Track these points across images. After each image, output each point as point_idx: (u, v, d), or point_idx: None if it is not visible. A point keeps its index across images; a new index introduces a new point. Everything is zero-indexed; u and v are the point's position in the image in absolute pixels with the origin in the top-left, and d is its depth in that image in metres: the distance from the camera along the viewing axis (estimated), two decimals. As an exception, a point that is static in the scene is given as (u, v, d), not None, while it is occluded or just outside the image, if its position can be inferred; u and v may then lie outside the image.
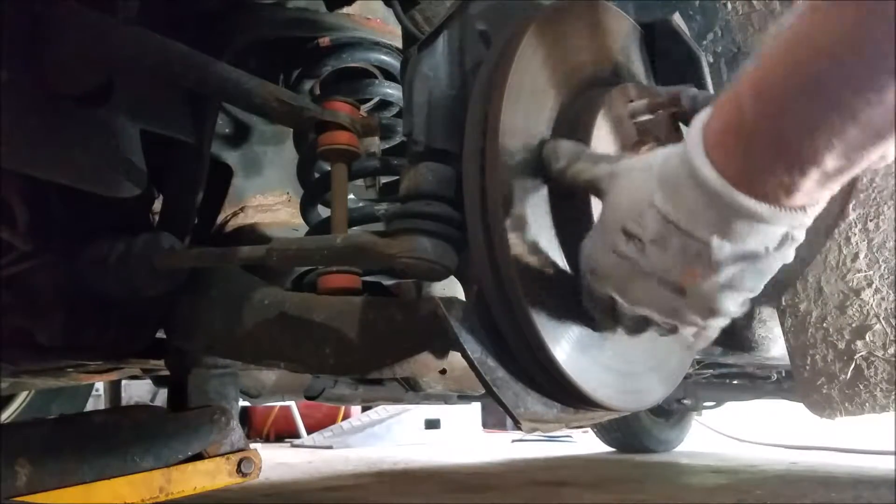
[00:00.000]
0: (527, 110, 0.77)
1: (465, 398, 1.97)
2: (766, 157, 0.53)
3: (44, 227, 1.00)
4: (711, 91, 0.93)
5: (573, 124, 0.79)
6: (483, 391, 0.76)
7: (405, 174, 0.82)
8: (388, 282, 1.19)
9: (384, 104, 1.23)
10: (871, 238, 1.11)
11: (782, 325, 1.20)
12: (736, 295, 0.62)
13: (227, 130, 1.29)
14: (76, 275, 1.02)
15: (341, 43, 1.16)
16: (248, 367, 1.27)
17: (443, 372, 1.23)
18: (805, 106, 0.49)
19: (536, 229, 0.75)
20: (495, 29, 0.83)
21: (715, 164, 0.56)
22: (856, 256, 1.12)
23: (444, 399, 1.95)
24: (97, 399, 3.42)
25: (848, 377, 1.15)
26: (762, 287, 0.63)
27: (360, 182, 1.29)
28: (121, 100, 0.91)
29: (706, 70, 0.95)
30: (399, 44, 1.15)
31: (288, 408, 4.92)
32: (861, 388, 1.15)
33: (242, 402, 1.74)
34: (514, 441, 4.85)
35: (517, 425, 0.78)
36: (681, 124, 0.83)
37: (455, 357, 0.80)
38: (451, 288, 1.14)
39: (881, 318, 1.13)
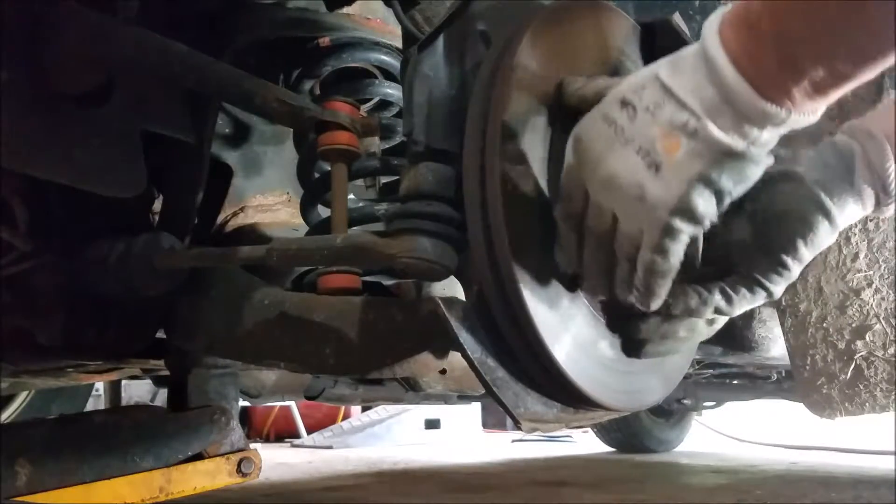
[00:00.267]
0: (527, 110, 0.77)
1: (465, 398, 1.97)
2: (767, 48, 0.56)
3: (44, 227, 1.00)
4: None
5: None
6: (483, 391, 0.76)
7: (405, 174, 0.82)
8: (388, 282, 1.19)
9: (384, 104, 1.23)
10: (871, 238, 1.11)
11: (782, 325, 1.20)
12: (707, 193, 0.61)
13: (227, 130, 1.29)
14: (76, 275, 1.02)
15: (341, 43, 1.16)
16: (248, 367, 1.27)
17: (443, 372, 1.23)
18: (803, 9, 0.53)
19: (538, 229, 0.76)
20: (495, 29, 0.83)
21: (724, 45, 0.58)
22: (856, 256, 1.12)
23: (444, 399, 1.95)
24: (97, 399, 3.42)
25: (848, 377, 1.15)
26: (736, 195, 0.62)
27: (360, 182, 1.29)
28: (121, 100, 0.91)
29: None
30: (399, 44, 1.15)
31: (288, 408, 4.92)
32: (861, 388, 1.15)
33: (242, 402, 1.74)
34: (514, 441, 4.85)
35: (517, 425, 0.78)
36: None
37: (455, 357, 0.80)
38: (451, 288, 1.14)
39: (881, 318, 1.13)
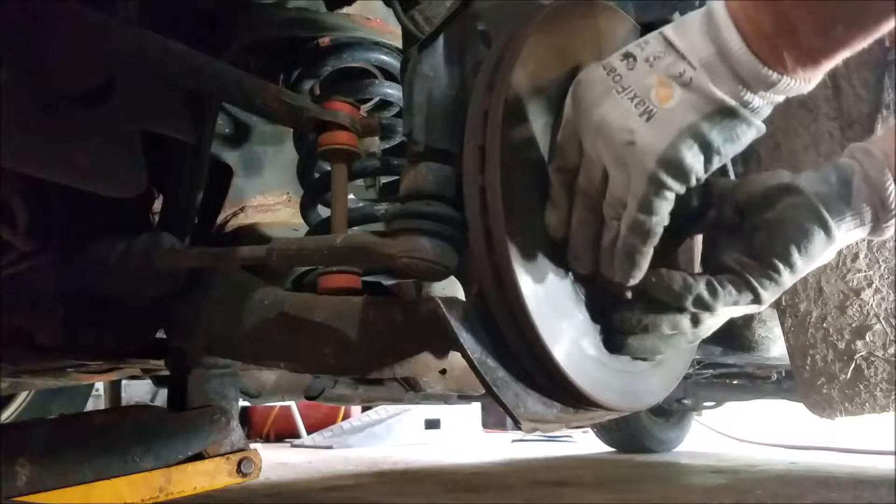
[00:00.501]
0: (527, 110, 0.77)
1: (465, 398, 1.97)
2: (765, 10, 0.58)
3: (44, 227, 1.00)
4: None
5: None
6: (483, 391, 0.76)
7: (405, 174, 0.82)
8: (388, 282, 1.19)
9: (384, 104, 1.23)
10: (870, 238, 1.11)
11: (782, 325, 1.20)
12: (696, 147, 0.62)
13: (227, 130, 1.29)
14: (76, 275, 1.02)
15: (341, 43, 1.16)
16: (248, 367, 1.27)
17: (443, 372, 1.23)
18: None
19: (537, 228, 0.76)
20: (495, 29, 0.83)
21: (727, 7, 0.60)
22: (856, 256, 1.12)
23: (444, 399, 1.95)
24: (97, 399, 3.42)
25: (848, 377, 1.15)
26: (725, 152, 0.63)
27: (360, 182, 1.29)
28: (121, 100, 0.91)
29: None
30: (399, 44, 1.15)
31: (288, 408, 4.92)
32: (861, 388, 1.15)
33: (242, 402, 1.74)
34: (514, 441, 4.85)
35: (517, 425, 0.78)
36: None
37: (455, 357, 0.80)
38: (451, 288, 1.14)
39: (881, 318, 1.13)
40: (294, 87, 1.19)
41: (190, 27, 1.02)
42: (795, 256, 0.69)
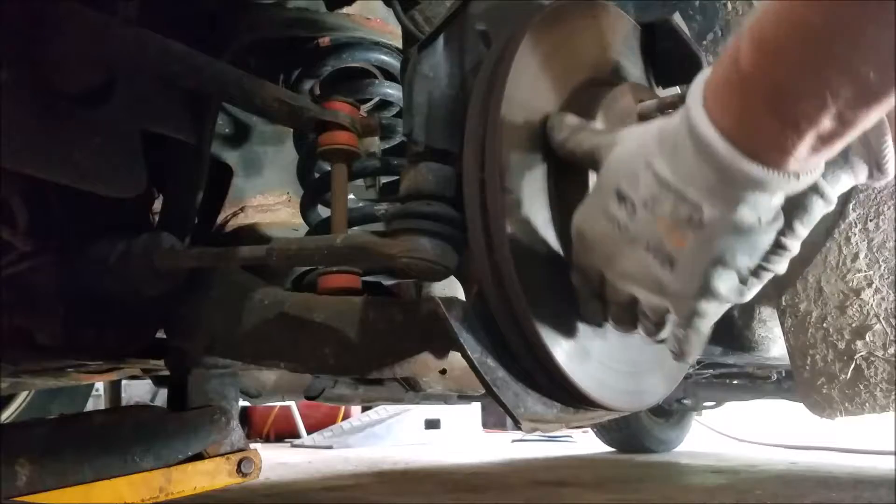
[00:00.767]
0: (527, 110, 0.77)
1: (465, 398, 1.97)
2: (762, 111, 0.51)
3: (44, 227, 1.00)
4: None
5: None
6: (483, 391, 0.76)
7: (405, 174, 0.82)
8: (388, 282, 1.19)
9: (384, 104, 1.23)
10: (871, 238, 1.11)
11: (782, 325, 1.20)
12: (727, 274, 0.60)
13: (227, 130, 1.29)
14: (76, 275, 1.02)
15: (341, 43, 1.16)
16: (248, 367, 1.27)
17: (443, 372, 1.23)
18: (800, 57, 0.48)
19: (537, 228, 0.76)
20: (495, 29, 0.83)
21: (712, 119, 0.54)
22: (856, 256, 1.12)
23: (444, 399, 1.95)
24: (97, 399, 3.42)
25: (848, 377, 1.15)
26: (754, 266, 0.61)
27: (360, 182, 1.29)
28: (121, 100, 0.91)
29: (706, 70, 0.95)
30: (399, 44, 1.15)
31: (288, 408, 4.92)
32: (861, 388, 1.15)
33: (242, 402, 1.74)
34: (514, 441, 4.85)
35: (517, 425, 0.78)
36: None
37: (455, 357, 0.80)
38: (451, 288, 1.14)
39: (881, 318, 1.13)
40: (294, 87, 1.19)
41: (190, 27, 1.02)
42: (799, 228, 0.68)
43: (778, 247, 0.69)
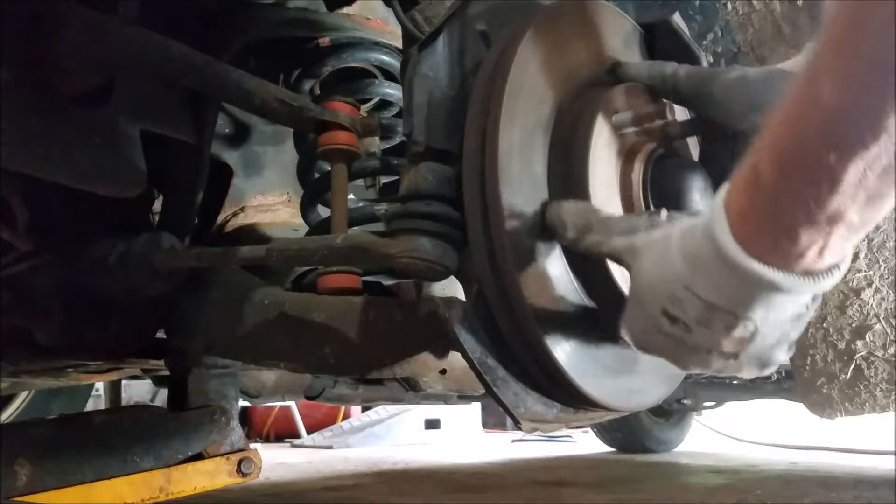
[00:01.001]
0: (527, 110, 0.77)
1: (465, 398, 1.97)
2: (791, 220, 0.52)
3: (44, 227, 1.00)
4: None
5: (573, 128, 0.79)
6: (483, 391, 0.76)
7: (405, 174, 0.82)
8: (388, 282, 1.19)
9: (384, 104, 1.23)
10: (871, 238, 1.11)
11: (782, 325, 1.20)
12: (784, 346, 0.64)
13: (227, 130, 1.29)
14: (76, 275, 1.02)
15: (341, 43, 1.16)
16: (248, 367, 1.27)
17: (443, 372, 1.23)
18: (820, 162, 0.49)
19: (538, 228, 0.76)
20: (495, 29, 0.83)
21: (742, 242, 0.55)
22: (856, 256, 1.12)
23: (444, 399, 1.95)
24: (97, 399, 3.42)
25: (848, 377, 1.15)
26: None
27: (360, 182, 1.29)
28: (121, 100, 0.91)
29: (706, 70, 0.94)
30: (399, 44, 1.15)
31: (288, 408, 4.92)
32: (861, 388, 1.15)
33: (242, 402, 1.74)
34: (514, 441, 4.85)
35: (517, 425, 0.78)
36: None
37: (455, 357, 0.80)
38: (451, 288, 1.14)
39: (881, 318, 1.13)
40: (294, 87, 1.19)
41: (190, 27, 1.02)
42: None
43: None
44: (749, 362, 0.64)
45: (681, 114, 0.85)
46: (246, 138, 1.31)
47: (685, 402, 3.39)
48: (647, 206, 0.81)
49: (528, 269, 0.74)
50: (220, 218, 1.30)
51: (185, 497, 1.14)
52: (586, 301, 0.80)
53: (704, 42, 1.13)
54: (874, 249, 1.12)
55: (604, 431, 3.81)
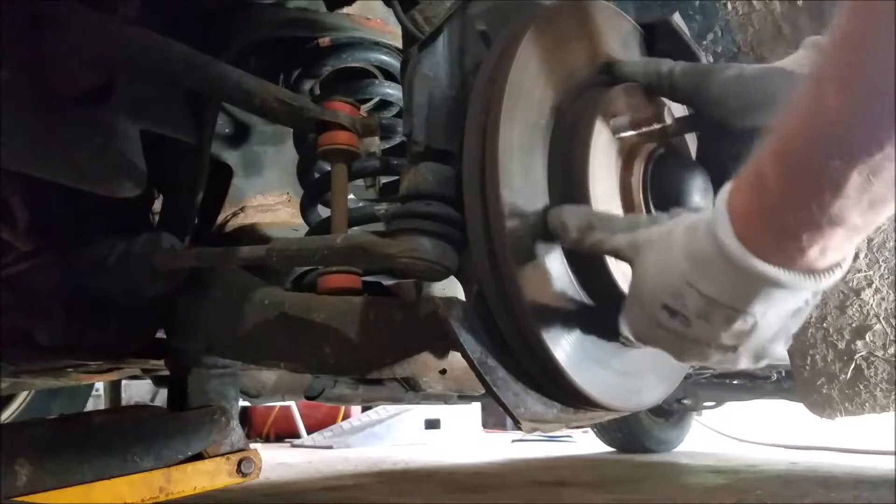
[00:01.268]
0: (527, 110, 0.77)
1: (465, 398, 1.97)
2: (795, 223, 0.53)
3: (44, 227, 1.00)
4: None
5: (573, 128, 0.79)
6: (483, 391, 0.76)
7: (405, 174, 0.82)
8: (388, 282, 1.19)
9: (384, 104, 1.23)
10: (871, 238, 1.11)
11: (782, 325, 1.20)
12: (783, 339, 0.64)
13: (227, 130, 1.29)
14: (76, 275, 1.02)
15: (341, 43, 1.16)
16: (248, 367, 1.27)
17: (443, 372, 1.23)
18: (825, 167, 0.49)
19: (538, 228, 0.76)
20: (495, 29, 0.83)
21: (744, 242, 0.56)
22: (856, 256, 1.12)
23: (444, 399, 1.95)
24: (97, 399, 3.42)
25: (848, 377, 1.15)
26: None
27: (360, 182, 1.29)
28: (121, 100, 0.91)
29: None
30: (399, 44, 1.15)
31: (288, 408, 4.92)
32: (861, 388, 1.15)
33: (242, 402, 1.74)
34: (514, 441, 4.85)
35: (517, 425, 0.78)
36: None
37: (455, 357, 0.80)
38: (451, 288, 1.14)
39: (881, 318, 1.13)
40: (294, 87, 1.19)
41: (190, 27, 1.02)
42: None
43: None
44: (747, 355, 0.65)
45: (678, 111, 0.85)
46: (246, 138, 1.31)
47: (685, 402, 3.39)
48: (648, 206, 0.81)
49: (528, 269, 0.74)
50: (220, 218, 1.30)
51: (185, 497, 1.14)
52: (586, 301, 0.80)
53: (704, 42, 1.12)
54: (874, 249, 1.12)
55: (604, 431, 3.81)
